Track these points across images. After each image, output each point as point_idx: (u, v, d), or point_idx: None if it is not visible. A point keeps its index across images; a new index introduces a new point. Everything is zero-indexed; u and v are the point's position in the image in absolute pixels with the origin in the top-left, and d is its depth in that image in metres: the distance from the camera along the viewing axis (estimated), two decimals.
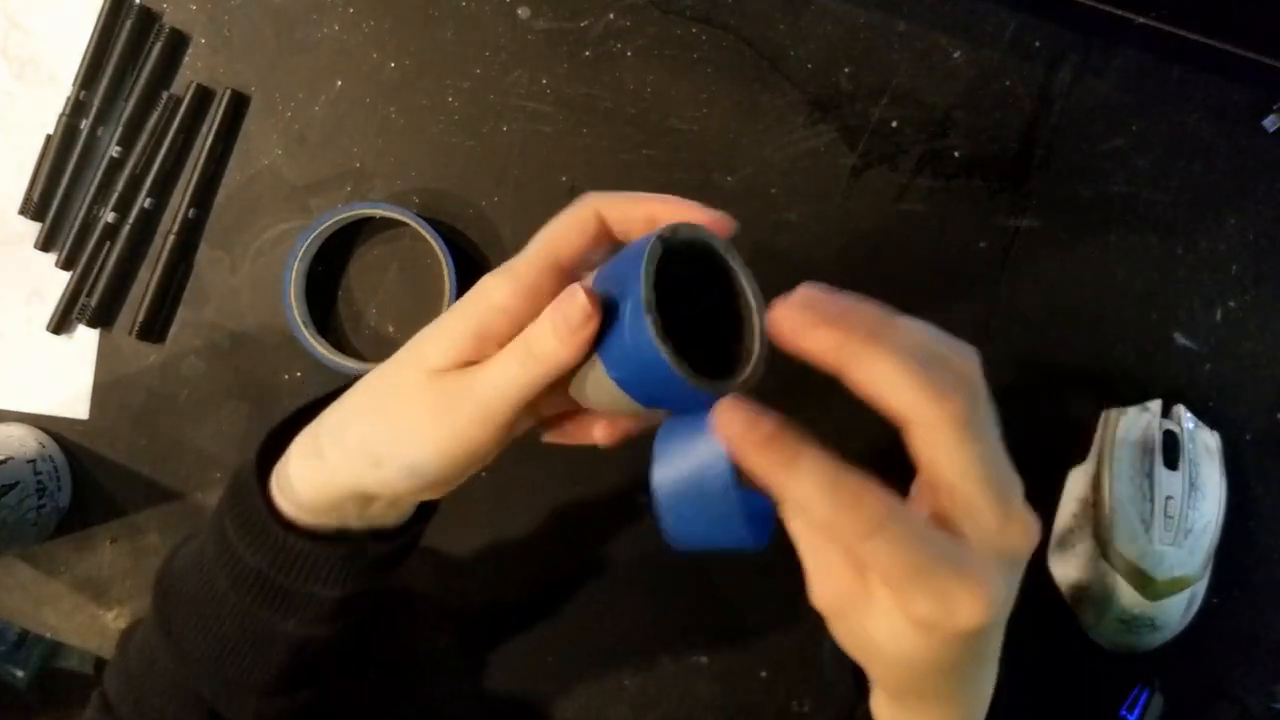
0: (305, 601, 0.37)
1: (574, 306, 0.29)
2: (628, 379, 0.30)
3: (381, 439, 0.33)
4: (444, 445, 0.32)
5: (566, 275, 0.33)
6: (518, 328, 0.32)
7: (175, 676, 0.38)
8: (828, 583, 0.30)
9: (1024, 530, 0.28)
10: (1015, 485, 0.29)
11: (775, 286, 0.53)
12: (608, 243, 0.34)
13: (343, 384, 0.39)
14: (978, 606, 0.27)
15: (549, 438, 0.38)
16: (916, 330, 0.28)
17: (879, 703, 0.36)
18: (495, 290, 0.32)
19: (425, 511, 0.40)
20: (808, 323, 0.27)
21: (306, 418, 0.38)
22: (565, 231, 0.33)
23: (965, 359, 0.29)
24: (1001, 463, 0.28)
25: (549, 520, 0.54)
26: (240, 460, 0.39)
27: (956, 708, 0.32)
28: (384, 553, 0.38)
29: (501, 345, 0.32)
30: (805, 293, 0.28)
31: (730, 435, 0.28)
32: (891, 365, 0.26)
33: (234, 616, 0.37)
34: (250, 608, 0.37)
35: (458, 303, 0.33)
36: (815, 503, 0.27)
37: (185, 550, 0.40)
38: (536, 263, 0.32)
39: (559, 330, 0.30)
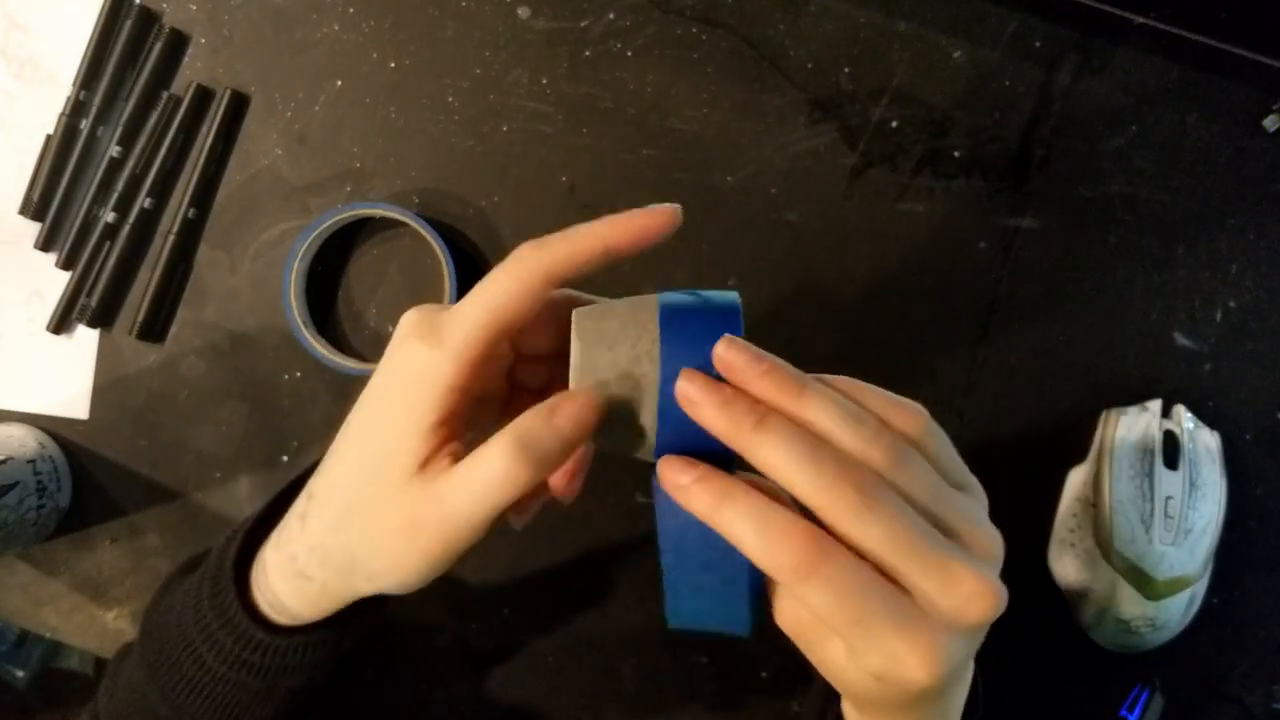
0: (303, 668, 0.37)
1: (579, 411, 0.29)
2: (672, 447, 0.30)
3: (369, 559, 0.32)
4: (431, 564, 0.31)
5: (508, 340, 0.31)
6: (471, 400, 0.31)
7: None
8: (785, 612, 0.30)
9: (976, 594, 0.27)
10: (956, 551, 0.27)
11: (775, 286, 0.54)
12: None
13: (297, 477, 0.38)
14: (923, 669, 0.27)
15: (516, 522, 0.37)
16: (819, 405, 0.28)
17: (848, 709, 0.36)
18: (444, 373, 0.30)
19: None
20: (707, 403, 0.28)
21: (276, 509, 0.37)
22: (512, 303, 0.30)
23: (875, 437, 0.28)
24: (925, 535, 0.27)
25: (548, 520, 0.54)
26: (215, 554, 0.38)
27: (946, 702, 0.32)
28: (377, 613, 0.38)
29: (464, 421, 0.31)
30: (724, 357, 0.28)
31: (666, 481, 0.28)
32: (775, 455, 0.27)
33: (232, 687, 0.36)
34: (245, 680, 0.36)
35: (393, 381, 0.31)
36: (746, 541, 0.27)
37: (170, 604, 0.39)
38: (480, 339, 0.30)
39: (563, 440, 0.29)
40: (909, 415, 0.29)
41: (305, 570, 0.33)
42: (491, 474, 0.29)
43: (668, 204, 0.31)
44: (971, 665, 0.34)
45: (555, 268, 0.30)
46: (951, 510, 0.29)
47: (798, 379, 0.28)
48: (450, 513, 0.29)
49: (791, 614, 0.31)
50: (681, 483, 0.28)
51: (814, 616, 0.28)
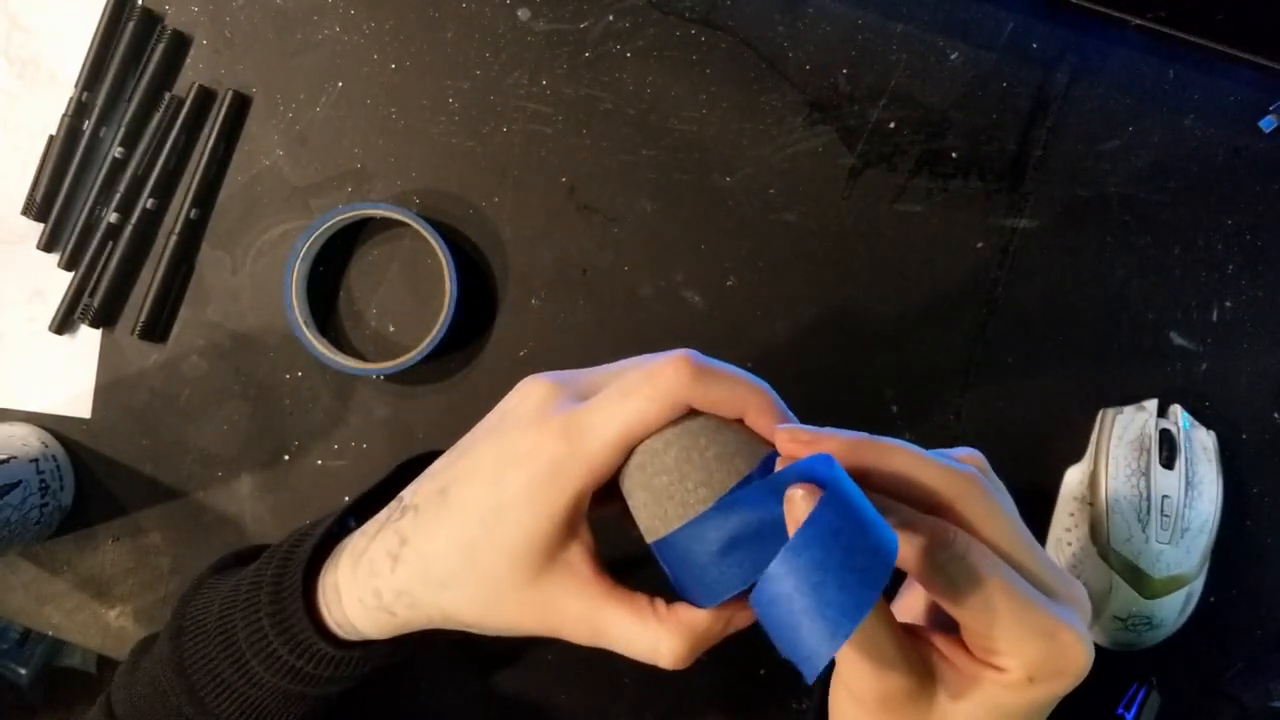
0: (346, 679, 0.37)
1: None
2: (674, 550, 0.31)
3: (468, 615, 0.33)
4: (535, 629, 0.33)
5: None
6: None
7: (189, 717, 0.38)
8: (881, 681, 0.28)
9: (1078, 592, 0.28)
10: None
11: (773, 286, 0.54)
12: None
13: (382, 480, 0.39)
14: (1081, 647, 0.27)
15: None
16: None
17: None
18: (577, 478, 0.30)
19: None
20: (817, 437, 0.28)
21: (341, 525, 0.38)
22: (651, 422, 0.30)
23: (966, 454, 0.30)
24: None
25: None
26: (277, 563, 0.38)
27: None
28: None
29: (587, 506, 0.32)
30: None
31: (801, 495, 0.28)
32: (906, 452, 0.28)
33: (268, 691, 0.37)
34: (285, 686, 0.36)
35: (520, 467, 0.31)
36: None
37: (208, 605, 0.39)
38: (615, 452, 0.30)
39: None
40: (964, 453, 0.31)
41: (391, 608, 0.34)
42: (656, 652, 0.31)
43: (822, 448, 0.28)
44: None
45: (697, 403, 0.30)
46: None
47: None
48: (599, 632, 0.32)
49: (886, 686, 0.28)
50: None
51: (966, 594, 0.26)
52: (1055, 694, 0.27)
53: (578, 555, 0.32)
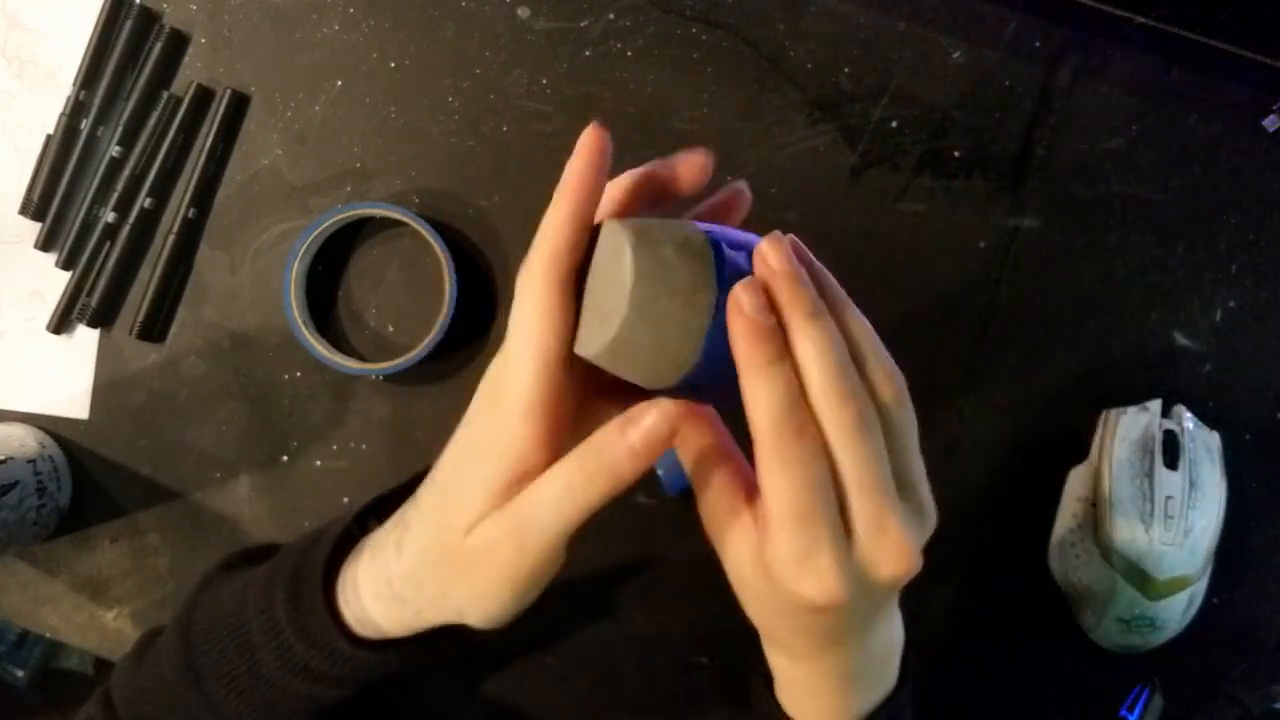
0: (357, 681, 0.37)
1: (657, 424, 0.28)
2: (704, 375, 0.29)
3: (458, 596, 0.32)
4: (512, 590, 0.32)
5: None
6: (563, 425, 0.30)
7: (195, 715, 0.38)
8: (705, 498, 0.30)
9: (895, 554, 0.28)
10: (900, 508, 0.28)
11: None
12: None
13: (377, 498, 0.39)
14: (817, 588, 0.28)
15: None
16: (822, 338, 0.28)
17: (772, 657, 0.37)
18: (513, 438, 0.30)
19: None
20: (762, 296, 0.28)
21: (360, 523, 0.38)
22: (553, 331, 0.30)
23: (852, 396, 0.28)
24: (886, 481, 0.28)
25: None
26: (295, 557, 0.38)
27: (849, 655, 0.33)
28: (453, 639, 0.38)
29: (556, 448, 0.30)
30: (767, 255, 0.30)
31: (745, 306, 0.28)
32: (819, 346, 0.28)
33: (276, 689, 0.37)
34: (296, 686, 0.37)
35: (468, 448, 0.32)
36: (761, 398, 0.27)
37: (220, 601, 0.39)
38: (535, 385, 0.30)
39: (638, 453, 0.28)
40: (890, 384, 0.29)
41: (401, 595, 0.34)
42: (558, 492, 0.29)
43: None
44: (896, 632, 0.35)
45: (564, 262, 0.31)
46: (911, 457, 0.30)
47: (816, 303, 0.29)
48: (520, 527, 0.30)
49: (714, 498, 0.31)
50: (757, 326, 0.27)
51: (770, 494, 0.27)
52: (788, 613, 0.29)
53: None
